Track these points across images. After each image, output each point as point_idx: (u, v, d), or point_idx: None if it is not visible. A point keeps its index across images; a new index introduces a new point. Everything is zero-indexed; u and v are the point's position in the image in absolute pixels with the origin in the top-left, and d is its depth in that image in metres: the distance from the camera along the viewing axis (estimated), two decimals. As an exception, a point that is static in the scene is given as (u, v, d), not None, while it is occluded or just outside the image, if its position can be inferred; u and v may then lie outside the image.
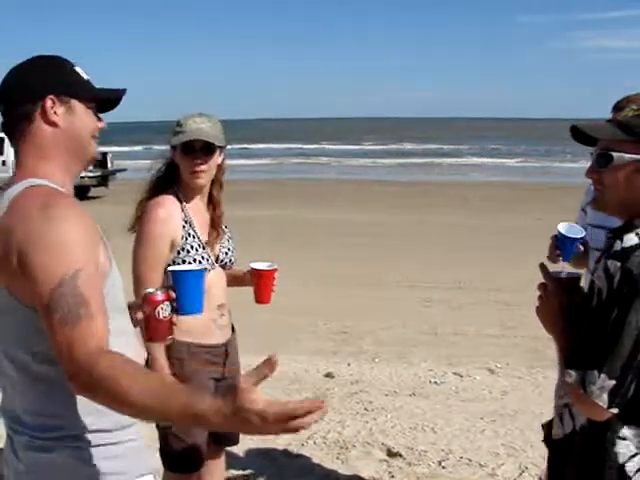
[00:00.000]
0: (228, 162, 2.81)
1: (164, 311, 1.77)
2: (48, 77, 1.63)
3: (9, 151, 16.82)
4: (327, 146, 49.60)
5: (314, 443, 4.18)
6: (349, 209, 17.04)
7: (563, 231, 2.92)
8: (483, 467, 3.88)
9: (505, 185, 22.62)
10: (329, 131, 68.16)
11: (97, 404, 1.40)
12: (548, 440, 1.91)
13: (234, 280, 2.85)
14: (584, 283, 2.04)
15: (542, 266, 1.88)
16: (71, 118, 1.64)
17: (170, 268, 2.14)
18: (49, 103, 1.61)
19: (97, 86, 1.72)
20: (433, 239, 12.57)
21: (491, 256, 10.64)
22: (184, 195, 2.69)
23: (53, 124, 1.62)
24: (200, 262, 2.63)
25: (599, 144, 1.74)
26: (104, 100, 1.72)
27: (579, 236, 2.91)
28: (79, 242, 1.48)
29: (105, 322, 1.45)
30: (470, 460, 3.95)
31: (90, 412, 1.53)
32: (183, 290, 1.97)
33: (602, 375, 1.57)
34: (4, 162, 17.72)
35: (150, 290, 1.89)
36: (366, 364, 5.83)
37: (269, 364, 1.25)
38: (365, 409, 4.74)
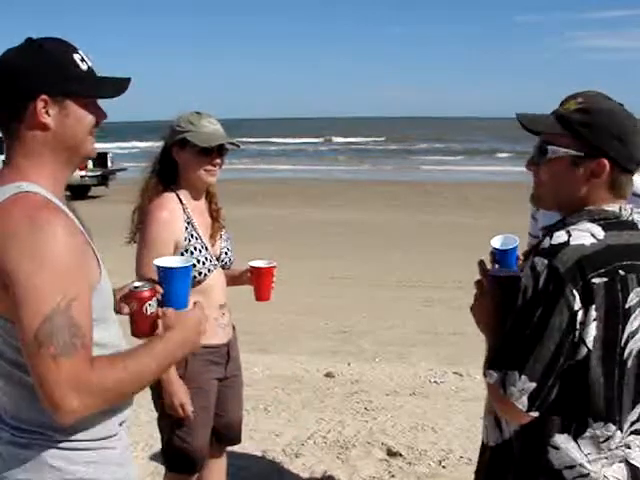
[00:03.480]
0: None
1: (151, 307, 1.70)
2: (42, 74, 1.50)
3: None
4: (325, 146, 49.59)
5: (314, 443, 4.18)
6: (349, 209, 17.04)
7: (497, 245, 2.60)
8: (483, 467, 3.87)
9: (505, 185, 22.60)
10: (329, 130, 68.15)
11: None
12: (484, 446, 1.78)
13: (232, 280, 2.86)
14: None
15: (480, 263, 1.79)
16: (64, 119, 1.52)
17: (157, 262, 1.90)
18: (41, 104, 1.49)
19: (99, 74, 1.58)
20: (433, 239, 12.58)
21: (491, 256, 10.62)
22: (187, 194, 2.69)
23: (43, 126, 1.51)
24: (204, 263, 2.63)
25: (541, 136, 1.66)
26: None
27: (512, 246, 2.57)
28: (71, 265, 1.43)
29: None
30: (470, 460, 3.94)
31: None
32: (171, 287, 1.84)
33: (523, 377, 1.50)
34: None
35: (137, 284, 1.78)
36: (366, 364, 5.81)
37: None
38: (365, 409, 4.73)
